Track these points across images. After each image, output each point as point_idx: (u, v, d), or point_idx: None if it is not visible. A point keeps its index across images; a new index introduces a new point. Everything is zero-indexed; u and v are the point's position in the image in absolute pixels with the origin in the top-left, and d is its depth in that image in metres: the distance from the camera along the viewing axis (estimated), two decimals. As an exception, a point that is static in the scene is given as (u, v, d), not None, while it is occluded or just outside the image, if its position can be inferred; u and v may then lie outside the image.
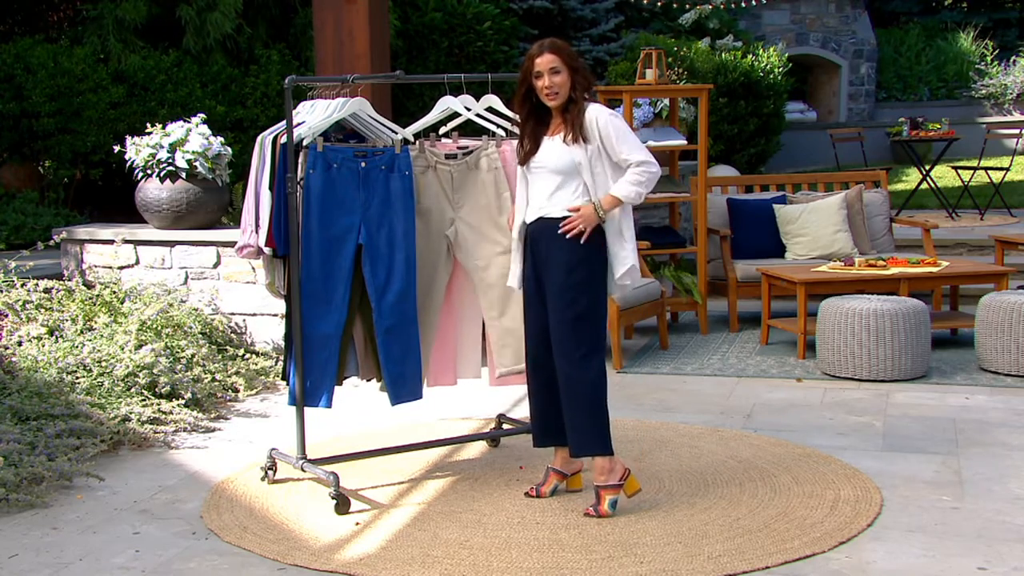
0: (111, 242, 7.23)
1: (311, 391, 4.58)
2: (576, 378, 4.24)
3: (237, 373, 6.19)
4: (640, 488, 4.34)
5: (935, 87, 16.72)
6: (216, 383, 5.99)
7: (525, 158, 4.34)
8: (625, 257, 4.28)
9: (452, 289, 4.84)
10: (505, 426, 5.18)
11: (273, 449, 4.79)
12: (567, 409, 4.30)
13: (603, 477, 4.28)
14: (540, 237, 4.31)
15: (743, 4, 14.11)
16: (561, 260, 4.24)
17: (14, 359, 5.59)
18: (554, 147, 4.26)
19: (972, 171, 11.53)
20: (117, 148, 7.46)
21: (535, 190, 4.33)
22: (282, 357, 5.49)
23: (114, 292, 6.55)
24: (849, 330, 6.35)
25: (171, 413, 5.49)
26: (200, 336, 6.35)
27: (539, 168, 4.29)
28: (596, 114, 4.23)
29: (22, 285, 6.40)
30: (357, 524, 4.24)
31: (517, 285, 4.46)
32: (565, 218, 4.24)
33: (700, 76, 11.41)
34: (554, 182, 4.26)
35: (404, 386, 4.66)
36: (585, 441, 4.28)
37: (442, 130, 4.98)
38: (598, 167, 4.22)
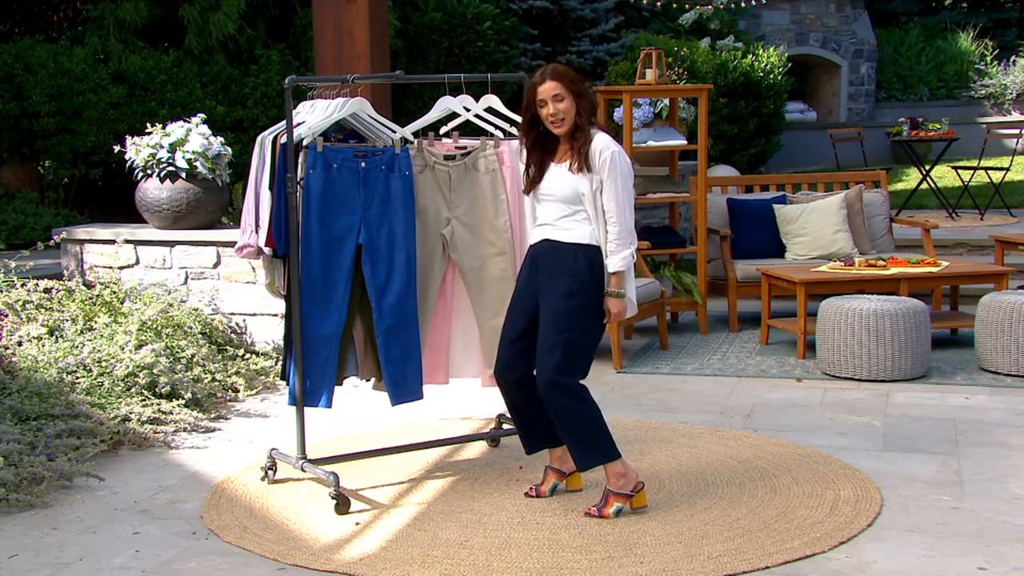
0: (111, 242, 7.24)
1: (311, 391, 4.58)
2: (562, 401, 4.19)
3: (237, 373, 6.19)
4: (647, 504, 4.32)
5: (935, 87, 16.71)
6: (216, 383, 5.99)
7: (530, 186, 4.33)
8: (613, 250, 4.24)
9: (446, 288, 4.84)
10: (505, 426, 5.18)
11: (273, 449, 4.79)
12: (561, 430, 4.27)
13: (620, 482, 4.26)
14: (544, 259, 4.30)
15: (743, 4, 14.10)
16: (562, 285, 4.21)
17: (14, 359, 5.59)
18: (560, 175, 4.24)
19: (972, 171, 11.53)
20: (117, 148, 7.46)
21: (542, 214, 4.33)
22: (282, 357, 5.50)
23: (114, 292, 6.55)
24: (849, 330, 6.35)
25: (171, 413, 5.49)
26: (200, 336, 6.35)
27: (546, 196, 4.28)
28: (601, 147, 4.18)
29: (22, 285, 6.40)
30: (357, 524, 4.24)
31: None
32: (571, 244, 4.23)
33: (700, 76, 11.41)
34: (560, 210, 4.25)
35: (404, 386, 4.66)
36: (587, 456, 4.27)
37: (442, 130, 4.98)
38: (599, 200, 4.21)
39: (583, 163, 4.18)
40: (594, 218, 4.21)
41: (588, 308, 4.22)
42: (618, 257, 4.19)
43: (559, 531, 4.11)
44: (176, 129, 7.09)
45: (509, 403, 4.46)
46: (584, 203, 4.20)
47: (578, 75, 4.27)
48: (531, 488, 4.51)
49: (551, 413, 4.26)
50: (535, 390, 4.28)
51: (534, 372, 4.29)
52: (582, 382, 4.25)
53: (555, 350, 4.18)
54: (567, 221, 4.24)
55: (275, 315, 6.77)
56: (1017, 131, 12.43)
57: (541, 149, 4.30)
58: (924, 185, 11.87)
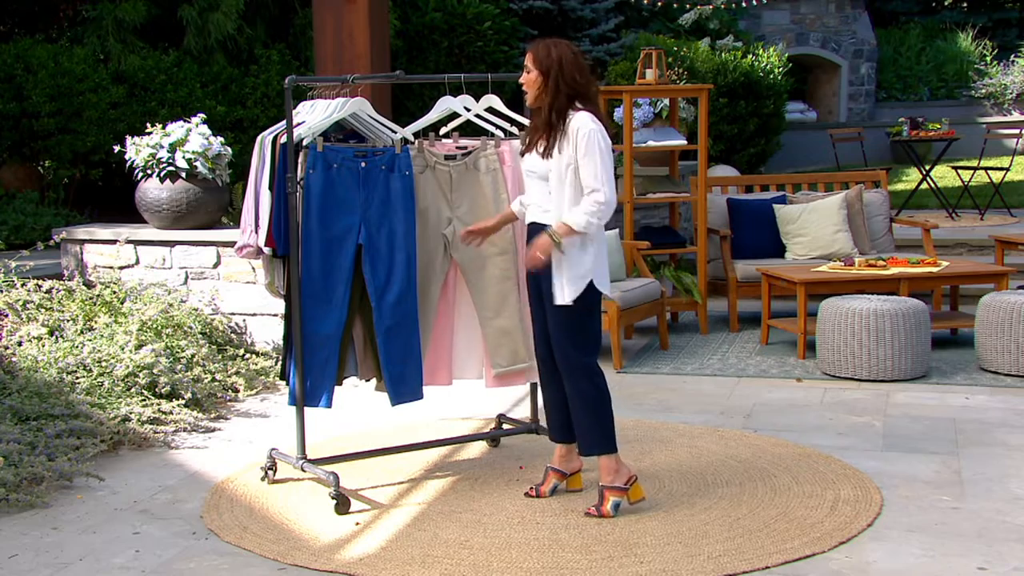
0: (111, 242, 7.24)
1: (311, 391, 4.58)
2: (578, 381, 4.28)
3: (237, 373, 6.19)
4: (644, 497, 4.33)
5: (935, 87, 16.72)
6: (216, 383, 5.99)
7: (523, 152, 4.37)
8: (580, 275, 4.20)
9: (448, 288, 4.84)
10: (505, 426, 5.18)
11: (273, 449, 4.79)
12: (573, 410, 4.34)
13: (609, 477, 4.29)
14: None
15: (743, 4, 14.11)
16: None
17: (14, 359, 5.59)
18: (533, 157, 4.29)
19: (972, 171, 11.53)
20: (117, 148, 7.46)
21: (530, 194, 4.36)
22: (282, 357, 5.50)
23: (114, 292, 6.55)
24: (849, 330, 6.34)
25: (171, 413, 5.49)
26: (200, 336, 6.35)
27: (530, 173, 4.32)
28: (579, 125, 4.15)
29: (22, 285, 6.40)
30: (357, 524, 4.24)
31: None
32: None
33: (700, 76, 11.41)
34: (540, 187, 4.27)
35: (405, 386, 4.66)
36: (590, 441, 4.31)
37: (442, 130, 4.98)
38: (573, 177, 4.17)
39: (551, 146, 4.18)
40: (558, 198, 4.17)
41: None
42: (579, 211, 4.12)
43: (559, 531, 4.11)
44: (176, 129, 7.09)
45: (545, 389, 4.50)
46: (550, 183, 4.19)
47: (557, 54, 4.18)
48: (531, 488, 4.51)
49: (569, 393, 4.31)
50: None
51: None
52: (601, 368, 4.33)
53: (565, 332, 4.25)
54: (548, 202, 4.25)
55: (275, 315, 6.77)
56: (1017, 131, 12.42)
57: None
58: (924, 185, 11.87)
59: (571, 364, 4.27)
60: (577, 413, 4.32)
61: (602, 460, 4.31)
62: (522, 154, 4.38)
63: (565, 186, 4.17)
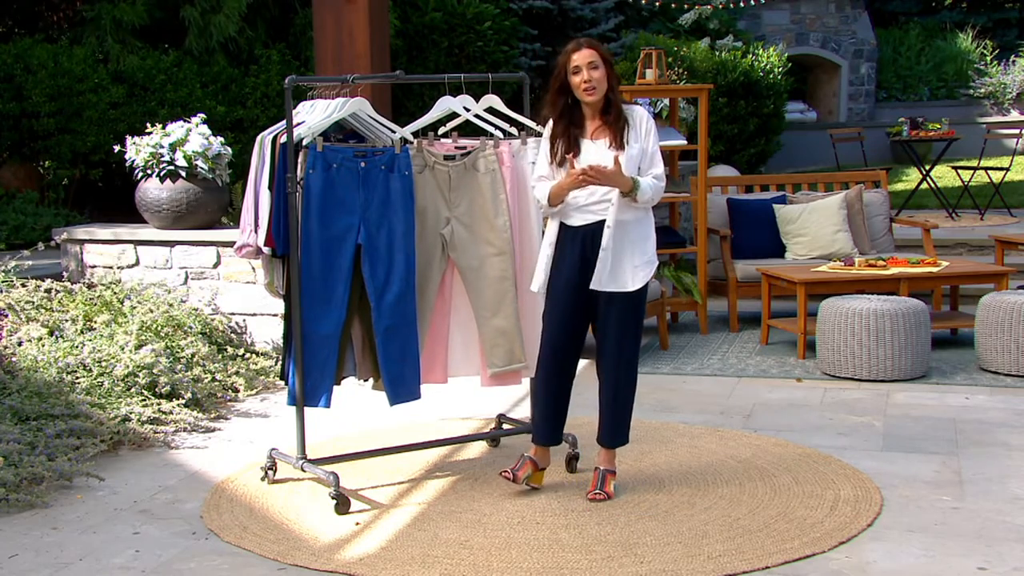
0: (111, 242, 7.24)
1: (311, 391, 4.58)
2: (626, 379, 4.48)
3: (237, 373, 6.18)
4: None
5: (935, 87, 16.72)
6: (216, 383, 5.99)
7: (563, 160, 4.34)
8: (647, 260, 4.40)
9: (445, 288, 4.83)
10: (505, 426, 5.18)
11: (273, 449, 4.79)
12: (616, 406, 4.46)
13: (611, 463, 4.49)
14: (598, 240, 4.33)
15: (743, 4, 14.11)
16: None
17: (14, 359, 5.59)
18: (599, 151, 4.29)
19: (972, 171, 11.53)
20: (117, 148, 7.46)
21: (583, 193, 4.33)
22: (281, 357, 5.50)
23: (114, 292, 6.55)
24: (849, 330, 6.35)
25: (171, 413, 5.49)
26: (200, 336, 6.35)
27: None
28: (643, 116, 4.36)
29: (22, 285, 6.40)
30: (357, 524, 4.24)
31: (538, 289, 4.50)
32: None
33: (700, 76, 11.41)
34: (604, 186, 4.29)
35: (403, 386, 4.66)
36: (623, 431, 4.51)
37: (441, 130, 4.98)
38: (633, 168, 4.32)
39: (622, 140, 4.28)
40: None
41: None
42: (645, 180, 4.28)
43: (559, 531, 4.11)
44: (176, 129, 7.09)
45: (555, 393, 4.56)
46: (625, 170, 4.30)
47: None
48: (506, 471, 4.50)
49: (615, 386, 4.47)
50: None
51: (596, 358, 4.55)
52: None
53: (621, 333, 4.44)
54: (608, 193, 4.31)
55: (275, 315, 6.77)
56: (1017, 131, 12.43)
57: (568, 122, 4.37)
58: (924, 185, 11.87)
59: (627, 356, 4.44)
60: (617, 405, 4.46)
61: (612, 449, 4.50)
62: (563, 160, 4.32)
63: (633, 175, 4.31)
